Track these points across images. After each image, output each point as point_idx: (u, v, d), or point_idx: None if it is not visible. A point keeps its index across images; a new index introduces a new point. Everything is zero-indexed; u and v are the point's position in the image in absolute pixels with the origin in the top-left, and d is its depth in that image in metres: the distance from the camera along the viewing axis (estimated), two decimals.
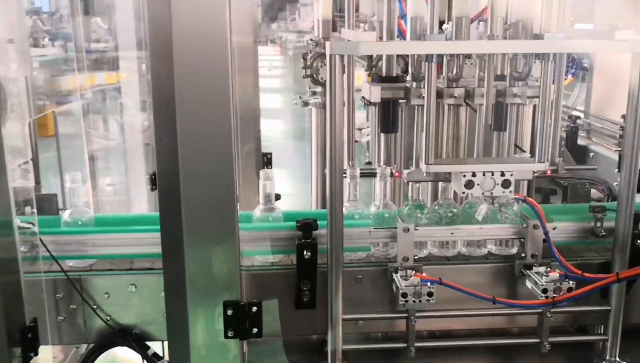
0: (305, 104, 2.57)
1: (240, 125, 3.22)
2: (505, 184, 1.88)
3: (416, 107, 2.09)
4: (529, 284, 1.98)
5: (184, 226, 1.60)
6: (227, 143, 1.58)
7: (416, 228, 2.00)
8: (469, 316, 2.04)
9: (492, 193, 1.89)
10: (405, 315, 1.98)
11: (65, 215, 2.05)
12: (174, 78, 1.53)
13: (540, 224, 1.99)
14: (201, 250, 1.62)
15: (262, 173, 2.06)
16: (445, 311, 2.03)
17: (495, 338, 2.06)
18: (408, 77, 2.15)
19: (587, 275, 1.92)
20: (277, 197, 2.30)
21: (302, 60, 2.50)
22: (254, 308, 1.66)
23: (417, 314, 1.98)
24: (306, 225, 1.94)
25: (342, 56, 1.78)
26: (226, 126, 1.58)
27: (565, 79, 4.27)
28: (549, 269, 1.94)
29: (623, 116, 3.67)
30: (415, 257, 2.05)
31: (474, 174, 1.87)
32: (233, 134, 1.59)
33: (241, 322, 1.65)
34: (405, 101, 2.42)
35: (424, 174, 1.94)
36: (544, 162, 1.93)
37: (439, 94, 2.03)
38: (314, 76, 2.50)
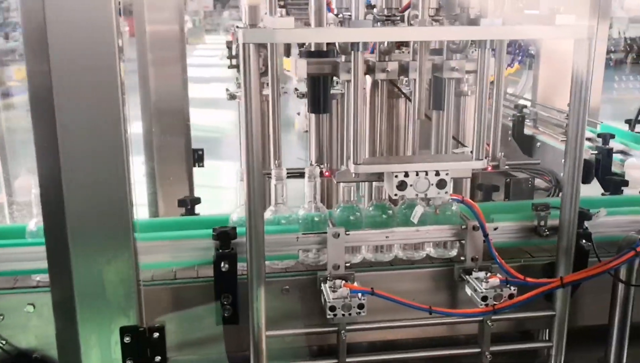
0: (232, 97, 2.36)
1: (166, 120, 3.02)
2: (441, 184, 1.72)
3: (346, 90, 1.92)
4: (468, 291, 1.83)
5: (70, 241, 1.38)
6: (116, 144, 1.37)
7: (347, 232, 1.83)
8: (405, 327, 1.88)
9: (426, 194, 1.73)
10: (336, 328, 1.81)
11: (31, 225, 1.82)
12: (51, 74, 1.31)
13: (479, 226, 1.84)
14: (91, 268, 1.41)
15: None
16: (380, 322, 1.87)
17: (434, 350, 1.91)
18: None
19: (529, 279, 1.78)
20: (197, 201, 2.10)
21: (227, 49, 2.29)
22: (156, 334, 1.46)
23: (348, 327, 1.81)
24: (223, 234, 1.75)
25: (257, 45, 1.58)
26: (115, 125, 1.37)
27: (512, 67, 4.18)
28: (489, 274, 1.79)
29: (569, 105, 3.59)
30: (348, 264, 1.89)
31: (406, 175, 1.70)
32: (123, 133, 1.37)
33: (141, 349, 1.45)
34: (338, 94, 2.27)
35: (353, 175, 1.76)
36: (482, 159, 1.77)
37: (370, 69, 1.86)
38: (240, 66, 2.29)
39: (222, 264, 1.74)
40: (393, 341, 1.99)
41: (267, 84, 2.06)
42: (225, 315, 1.82)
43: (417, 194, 1.73)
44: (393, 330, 1.94)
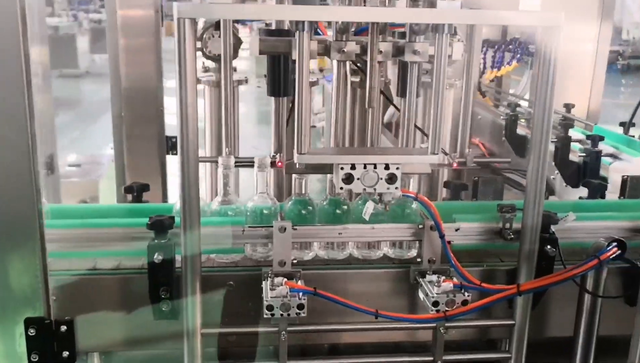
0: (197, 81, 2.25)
1: (138, 106, 2.92)
2: (391, 179, 1.60)
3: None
4: (421, 294, 1.71)
5: None
6: (19, 127, 1.27)
7: (294, 227, 1.71)
8: (352, 330, 1.77)
9: (375, 189, 1.61)
10: (276, 328, 1.70)
11: None
12: None
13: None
14: None
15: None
16: (325, 324, 1.76)
17: (382, 356, 1.79)
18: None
19: (485, 285, 1.66)
20: (145, 188, 2.00)
21: None
22: (63, 327, 1.36)
23: (289, 328, 1.70)
24: (158, 223, 1.65)
25: (193, 21, 1.48)
26: (17, 106, 1.26)
27: (510, 65, 4.03)
28: (443, 278, 1.67)
29: (565, 105, 3.46)
30: (295, 261, 1.77)
31: (353, 167, 1.59)
32: (28, 114, 1.27)
33: (47, 343, 1.35)
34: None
35: (297, 166, 1.65)
36: (437, 153, 1.64)
37: (326, 49, 1.74)
38: (203, 49, 2.19)
39: (156, 255, 1.63)
40: (361, 344, 1.88)
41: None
42: (164, 309, 1.72)
43: (364, 189, 1.61)
44: (354, 333, 1.82)
